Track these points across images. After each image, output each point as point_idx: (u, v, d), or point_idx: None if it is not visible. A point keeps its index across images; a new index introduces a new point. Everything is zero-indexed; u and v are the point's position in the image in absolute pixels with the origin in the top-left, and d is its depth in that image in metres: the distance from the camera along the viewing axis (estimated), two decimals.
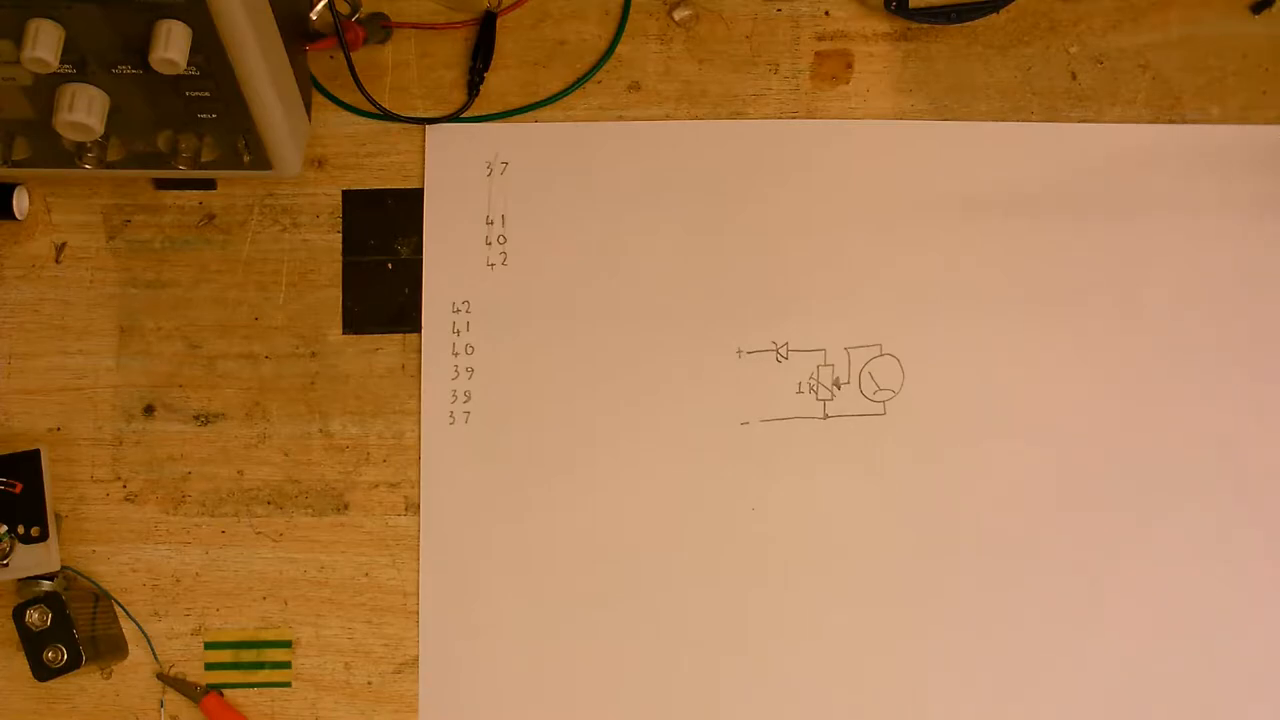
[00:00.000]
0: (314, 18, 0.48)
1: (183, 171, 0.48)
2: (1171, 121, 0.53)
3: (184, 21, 0.41)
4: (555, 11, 0.53)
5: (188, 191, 0.52)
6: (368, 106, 0.51)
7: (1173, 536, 0.51)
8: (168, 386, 0.52)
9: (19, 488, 0.49)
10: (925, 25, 0.53)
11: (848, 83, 0.53)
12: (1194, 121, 0.53)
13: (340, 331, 0.52)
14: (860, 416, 0.51)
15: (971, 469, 0.51)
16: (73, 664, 0.48)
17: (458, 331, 0.52)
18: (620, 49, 0.53)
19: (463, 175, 0.52)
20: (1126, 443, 0.51)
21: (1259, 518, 0.51)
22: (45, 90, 0.43)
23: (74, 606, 0.49)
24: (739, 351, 0.51)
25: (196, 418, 0.52)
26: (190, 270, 0.52)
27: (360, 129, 0.53)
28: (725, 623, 0.51)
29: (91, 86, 0.43)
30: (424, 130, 0.52)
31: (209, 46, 0.42)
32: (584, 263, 0.52)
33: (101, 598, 0.51)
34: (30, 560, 0.49)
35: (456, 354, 0.52)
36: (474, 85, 0.52)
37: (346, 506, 0.51)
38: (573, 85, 0.53)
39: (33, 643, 0.48)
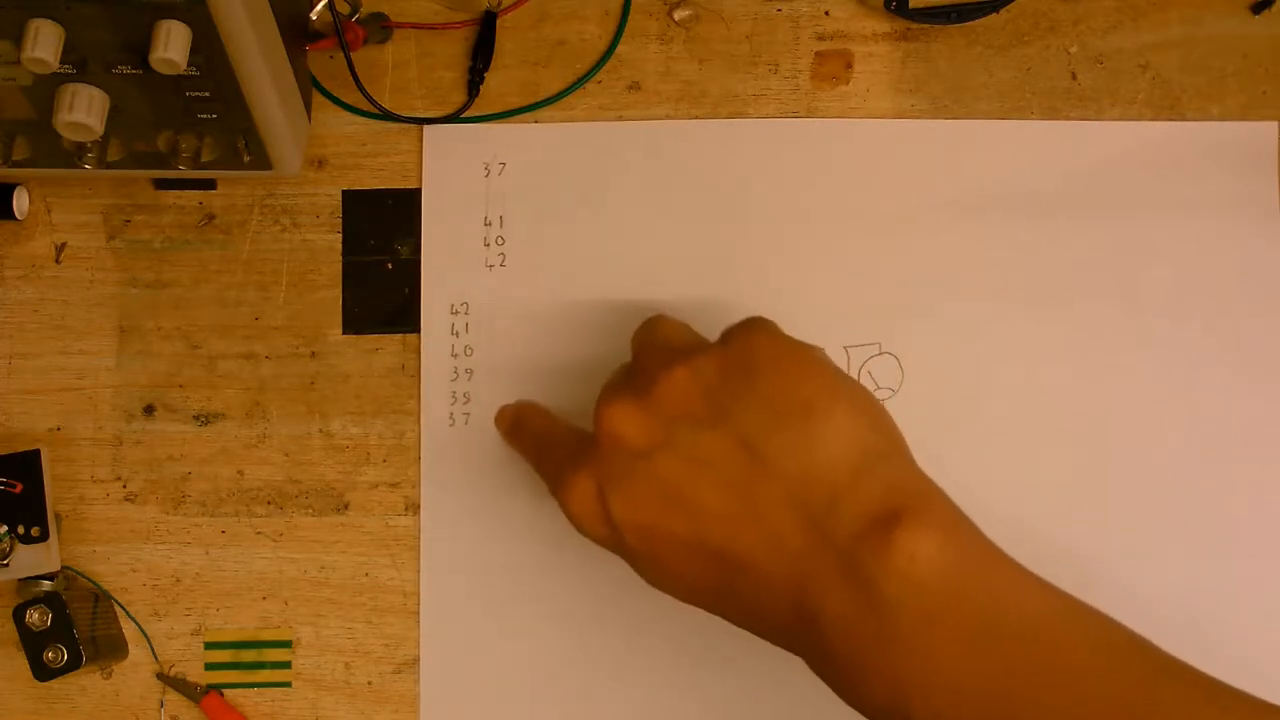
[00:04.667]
0: (314, 18, 0.48)
1: (183, 171, 0.48)
2: (1171, 121, 0.53)
3: (184, 21, 0.41)
4: (555, 11, 0.53)
5: (188, 191, 0.52)
6: (368, 106, 0.51)
7: (1174, 537, 0.51)
8: (168, 386, 0.52)
9: (19, 488, 0.49)
10: (925, 25, 0.53)
11: (848, 83, 0.53)
12: (1194, 122, 0.53)
13: (340, 331, 0.52)
14: None
15: (970, 468, 0.51)
16: (73, 664, 0.48)
17: (457, 333, 0.52)
18: (620, 49, 0.53)
19: (460, 176, 0.52)
20: (1127, 440, 0.51)
21: (1260, 517, 0.51)
22: (45, 90, 0.43)
23: (74, 606, 0.49)
24: None
25: (196, 418, 0.52)
26: (190, 270, 0.52)
27: (360, 129, 0.53)
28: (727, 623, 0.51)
29: (91, 86, 0.43)
30: (419, 132, 0.52)
31: (209, 46, 0.42)
32: (583, 264, 0.52)
33: (101, 598, 0.51)
34: (30, 560, 0.49)
35: (456, 355, 0.52)
36: (474, 85, 0.52)
37: (347, 506, 0.51)
38: (573, 85, 0.53)
39: (33, 643, 0.48)
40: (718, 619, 0.50)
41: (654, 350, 0.43)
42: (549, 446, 0.46)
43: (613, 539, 0.42)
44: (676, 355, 0.41)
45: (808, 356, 0.40)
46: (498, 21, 0.53)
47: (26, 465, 0.49)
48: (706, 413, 0.39)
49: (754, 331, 0.41)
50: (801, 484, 0.38)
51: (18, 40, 0.40)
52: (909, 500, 0.37)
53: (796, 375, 0.39)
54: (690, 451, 0.39)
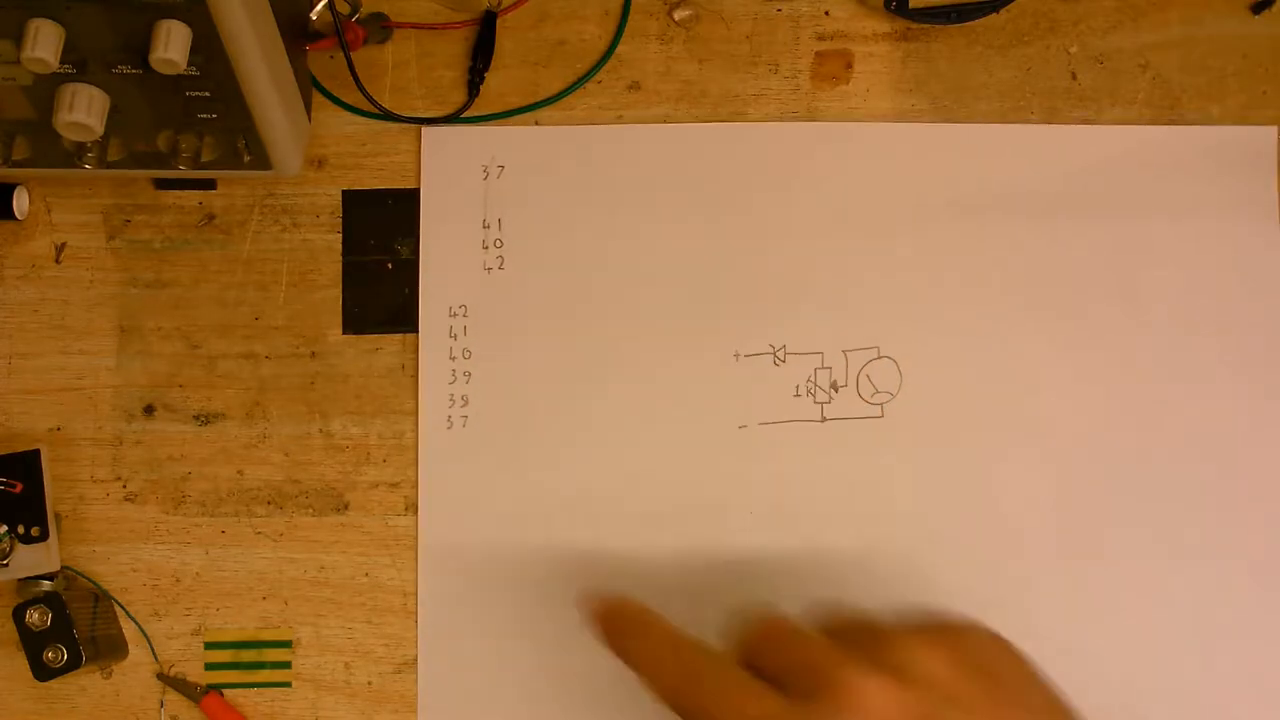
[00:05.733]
0: (314, 18, 0.48)
1: (183, 171, 0.48)
2: (1171, 122, 0.53)
3: (184, 21, 0.41)
4: (555, 11, 0.53)
5: (188, 191, 0.52)
6: (368, 106, 0.51)
7: (1172, 537, 0.51)
8: (168, 386, 0.52)
9: (19, 488, 0.49)
10: (925, 25, 0.53)
11: (848, 83, 0.53)
12: (1194, 122, 0.53)
13: (340, 331, 0.52)
14: (858, 419, 0.51)
15: (969, 471, 0.51)
16: (73, 664, 0.48)
17: (455, 336, 0.52)
18: (620, 49, 0.53)
19: (459, 179, 0.52)
20: (1126, 443, 0.51)
21: (1259, 518, 0.51)
22: (45, 90, 0.43)
23: (74, 606, 0.49)
24: (737, 355, 0.51)
25: (196, 418, 0.52)
26: (190, 270, 0.52)
27: (360, 129, 0.53)
28: (723, 626, 0.51)
29: (91, 86, 0.43)
30: (419, 132, 0.52)
31: (209, 46, 0.42)
32: (581, 267, 0.52)
33: (101, 598, 0.51)
34: (30, 560, 0.49)
35: (454, 358, 0.52)
36: (474, 85, 0.52)
37: (346, 506, 0.51)
38: (573, 85, 0.53)
39: (33, 643, 0.48)
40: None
41: (856, 624, 0.40)
42: (728, 699, 0.38)
43: None
44: (904, 628, 0.39)
45: (1034, 670, 0.40)
46: (498, 21, 0.53)
47: (26, 465, 0.49)
48: (976, 701, 0.37)
49: (986, 631, 0.40)
50: None
51: (18, 40, 0.40)
52: None
53: (1045, 693, 0.39)
54: None
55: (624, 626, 0.42)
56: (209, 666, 0.51)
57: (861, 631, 0.39)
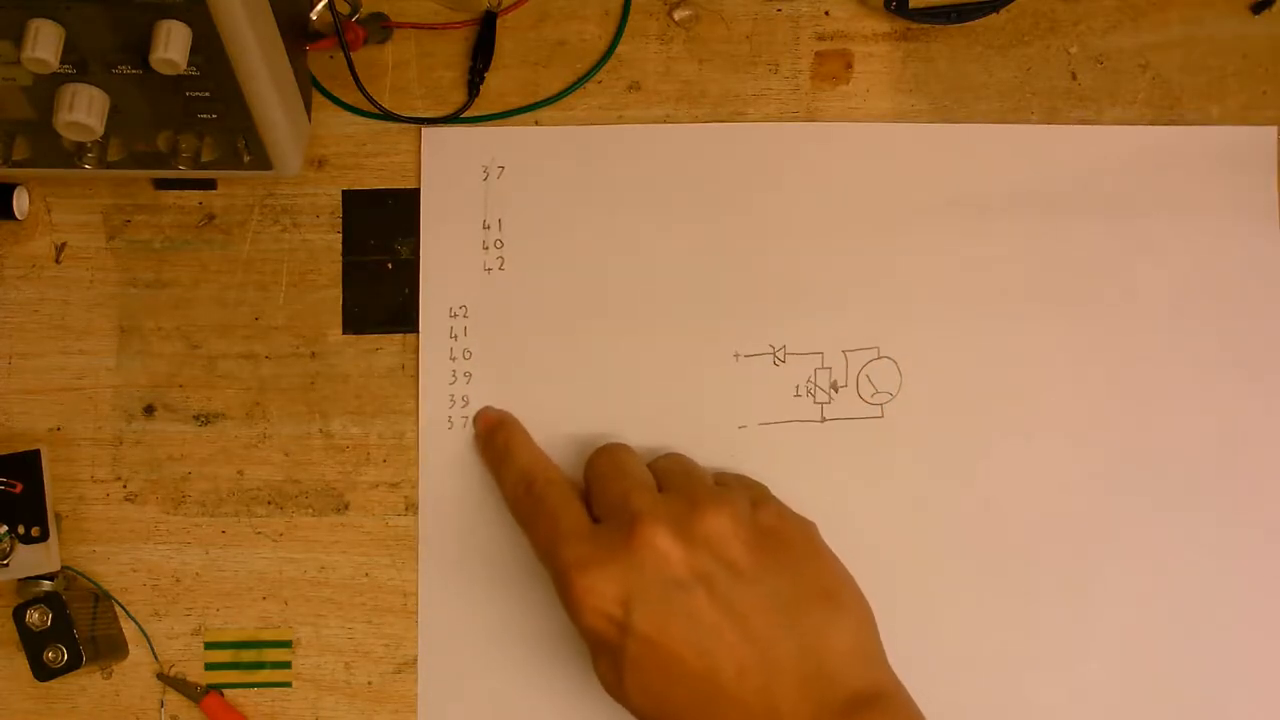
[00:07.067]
0: (314, 18, 0.48)
1: (183, 171, 0.48)
2: (1172, 122, 0.53)
3: (184, 21, 0.41)
4: (555, 11, 0.53)
5: (188, 191, 0.52)
6: (368, 106, 0.51)
7: (1174, 535, 0.51)
8: (168, 386, 0.52)
9: (19, 488, 0.49)
10: (925, 25, 0.53)
11: (848, 83, 0.53)
12: (1194, 122, 0.53)
13: (340, 331, 0.52)
14: (858, 419, 0.51)
15: (969, 471, 0.51)
16: (73, 664, 0.48)
17: (455, 336, 0.52)
18: (620, 49, 0.53)
19: (459, 179, 0.52)
20: (1127, 444, 0.51)
21: (1260, 516, 0.51)
22: (45, 90, 0.43)
23: (74, 606, 0.49)
24: (737, 355, 0.51)
25: (196, 418, 0.52)
26: (190, 270, 0.52)
27: (360, 129, 0.53)
28: None
29: (91, 86, 0.43)
30: (419, 133, 0.52)
31: (209, 46, 0.42)
32: (581, 267, 0.52)
33: (101, 598, 0.51)
34: (30, 560, 0.49)
35: (454, 359, 0.52)
36: (474, 85, 0.52)
37: (346, 506, 0.51)
38: (573, 85, 0.53)
39: (33, 643, 0.48)
40: None
41: (685, 479, 0.47)
42: (552, 510, 0.46)
43: (610, 637, 0.43)
44: (712, 495, 0.45)
45: (819, 541, 0.47)
46: (498, 21, 0.53)
47: (26, 465, 0.49)
48: (747, 566, 0.44)
49: (779, 506, 0.47)
50: (815, 663, 0.43)
51: (18, 40, 0.40)
52: (886, 698, 0.44)
53: (820, 562, 0.46)
54: (728, 596, 0.43)
55: (496, 441, 0.50)
56: (209, 666, 0.51)
57: (683, 483, 0.46)
